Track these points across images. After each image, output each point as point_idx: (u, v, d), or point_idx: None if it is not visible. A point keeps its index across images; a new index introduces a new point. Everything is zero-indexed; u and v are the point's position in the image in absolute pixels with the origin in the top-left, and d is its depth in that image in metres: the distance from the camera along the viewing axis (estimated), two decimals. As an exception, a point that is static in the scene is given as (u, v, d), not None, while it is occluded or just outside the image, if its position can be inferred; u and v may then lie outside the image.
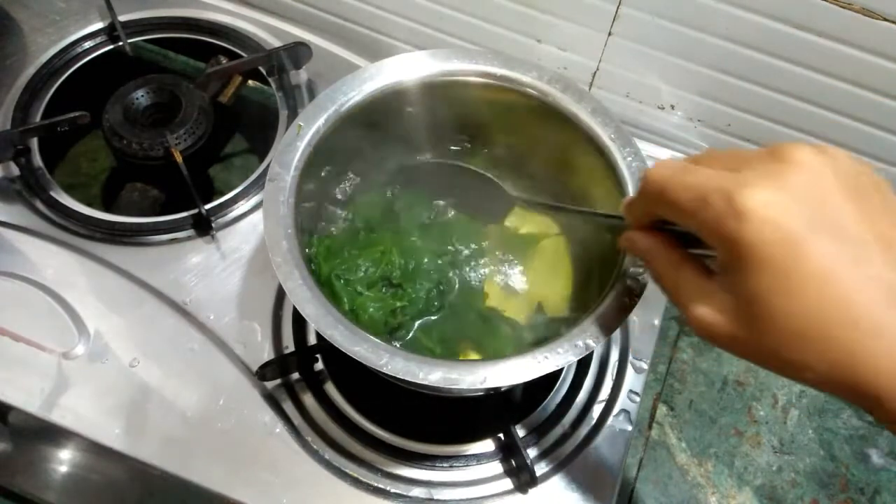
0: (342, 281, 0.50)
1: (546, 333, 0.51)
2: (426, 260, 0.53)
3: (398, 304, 0.50)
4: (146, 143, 0.64)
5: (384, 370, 0.40)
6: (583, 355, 0.41)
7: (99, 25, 0.72)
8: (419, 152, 0.58)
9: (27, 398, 0.52)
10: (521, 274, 0.55)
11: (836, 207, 0.29)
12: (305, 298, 0.43)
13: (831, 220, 0.29)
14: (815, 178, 0.30)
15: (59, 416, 0.52)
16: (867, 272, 0.28)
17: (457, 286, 0.53)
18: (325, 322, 0.42)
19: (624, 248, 0.40)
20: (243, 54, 0.71)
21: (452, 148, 0.59)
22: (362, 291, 0.50)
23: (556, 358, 0.41)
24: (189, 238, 0.61)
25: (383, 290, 0.51)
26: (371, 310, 0.49)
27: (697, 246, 0.35)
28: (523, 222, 0.57)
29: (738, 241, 0.29)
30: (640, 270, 0.44)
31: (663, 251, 0.36)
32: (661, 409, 0.63)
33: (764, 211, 0.29)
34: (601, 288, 0.45)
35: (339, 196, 0.56)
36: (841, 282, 0.28)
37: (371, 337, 0.42)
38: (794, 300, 0.29)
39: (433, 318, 0.52)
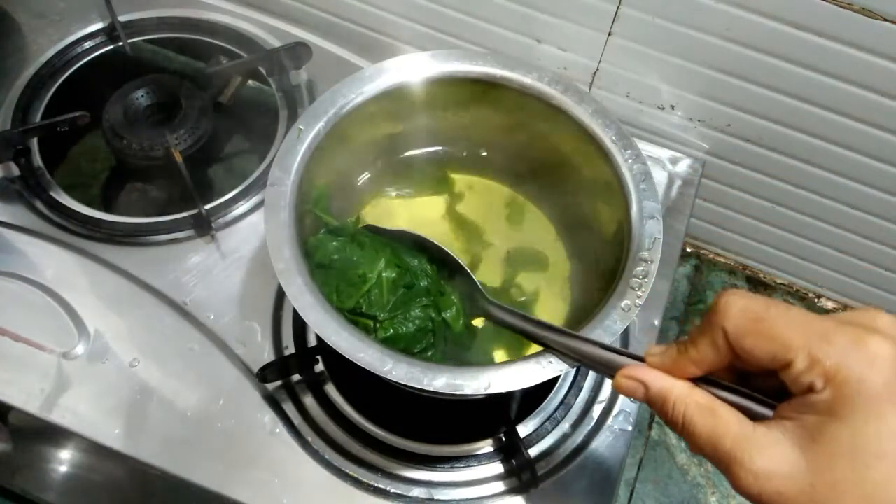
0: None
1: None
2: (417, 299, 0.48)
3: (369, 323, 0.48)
4: (146, 143, 0.64)
5: (388, 377, 0.40)
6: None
7: (99, 25, 0.72)
8: (418, 154, 0.58)
9: (27, 398, 0.52)
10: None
11: None
12: (308, 304, 0.42)
13: None
14: None
15: (59, 416, 0.52)
16: None
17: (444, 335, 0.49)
18: (328, 328, 0.42)
19: (624, 389, 0.34)
20: (243, 54, 0.71)
21: (451, 149, 0.59)
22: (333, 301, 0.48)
23: (559, 363, 0.41)
24: (189, 238, 0.61)
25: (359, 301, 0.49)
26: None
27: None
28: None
29: (863, 382, 0.26)
30: (642, 270, 0.44)
31: (692, 393, 0.31)
32: (661, 410, 0.63)
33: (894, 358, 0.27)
34: (603, 290, 0.45)
35: (340, 199, 0.56)
36: None
37: (374, 343, 0.42)
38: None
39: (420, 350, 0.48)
